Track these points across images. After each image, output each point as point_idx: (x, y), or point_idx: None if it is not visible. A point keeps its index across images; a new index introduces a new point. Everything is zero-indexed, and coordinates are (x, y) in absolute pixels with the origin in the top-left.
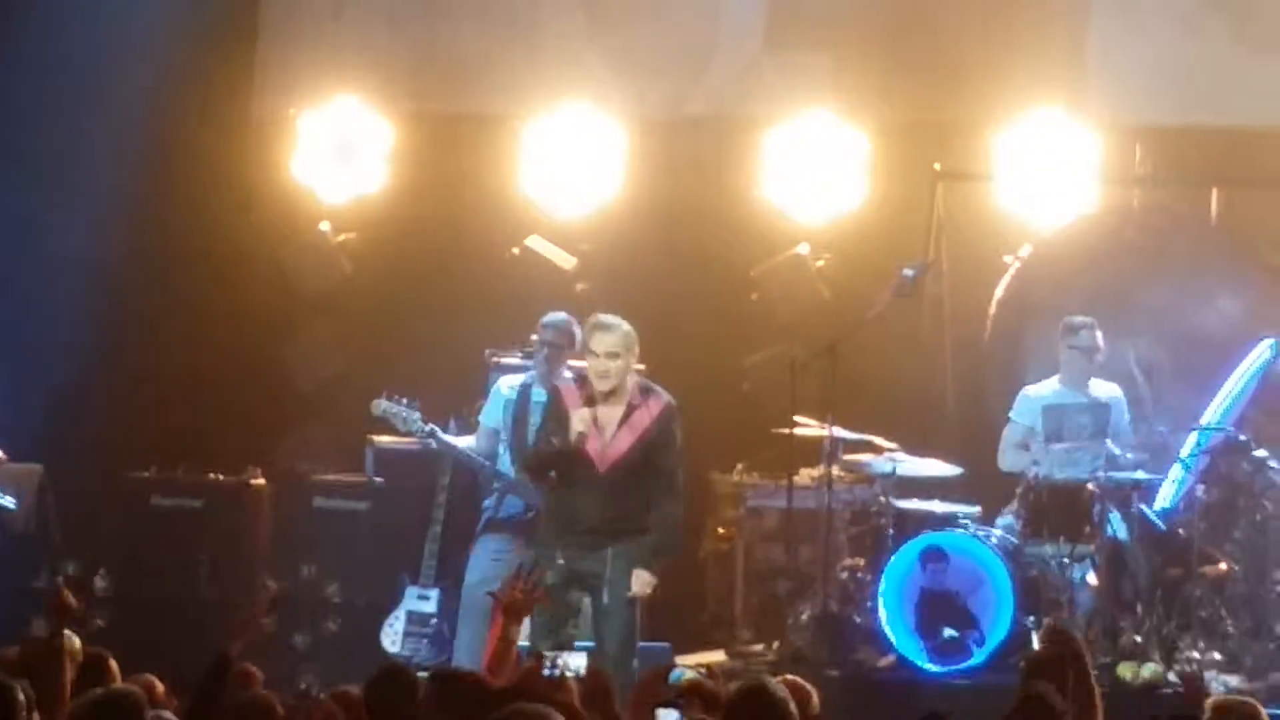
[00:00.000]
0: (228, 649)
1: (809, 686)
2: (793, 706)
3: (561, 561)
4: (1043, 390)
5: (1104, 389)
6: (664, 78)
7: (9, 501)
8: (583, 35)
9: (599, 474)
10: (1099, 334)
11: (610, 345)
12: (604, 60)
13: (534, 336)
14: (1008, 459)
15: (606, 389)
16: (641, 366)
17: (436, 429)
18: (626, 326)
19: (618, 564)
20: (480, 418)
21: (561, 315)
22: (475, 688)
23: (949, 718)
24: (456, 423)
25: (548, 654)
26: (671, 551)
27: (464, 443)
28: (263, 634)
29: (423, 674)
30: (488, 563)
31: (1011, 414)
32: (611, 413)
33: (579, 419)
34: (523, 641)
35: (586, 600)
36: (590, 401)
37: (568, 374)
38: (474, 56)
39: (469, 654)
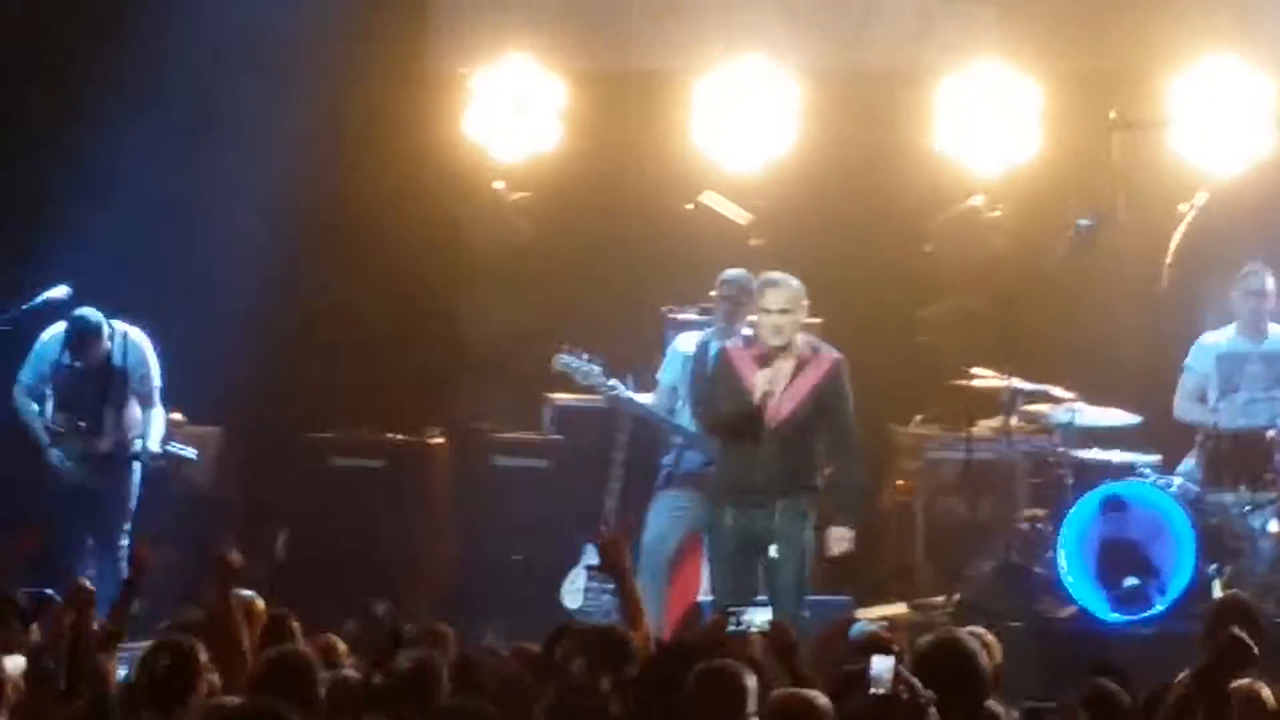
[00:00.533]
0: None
1: (991, 637)
2: (984, 659)
3: (731, 522)
4: (1219, 339)
5: None
6: (834, 29)
7: (190, 452)
8: None
9: (771, 430)
10: (1270, 278)
11: (783, 301)
12: (775, 12)
13: (712, 293)
14: (1184, 409)
15: (780, 344)
16: (818, 320)
17: (619, 384)
18: (796, 282)
19: (785, 517)
20: (658, 375)
21: (740, 271)
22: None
23: (1116, 670)
24: (634, 380)
25: (733, 609)
26: (856, 512)
27: (644, 399)
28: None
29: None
30: (667, 518)
31: (1187, 362)
32: (782, 369)
33: (763, 379)
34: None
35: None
36: (763, 361)
37: (736, 337)
38: (644, 12)
39: (650, 610)
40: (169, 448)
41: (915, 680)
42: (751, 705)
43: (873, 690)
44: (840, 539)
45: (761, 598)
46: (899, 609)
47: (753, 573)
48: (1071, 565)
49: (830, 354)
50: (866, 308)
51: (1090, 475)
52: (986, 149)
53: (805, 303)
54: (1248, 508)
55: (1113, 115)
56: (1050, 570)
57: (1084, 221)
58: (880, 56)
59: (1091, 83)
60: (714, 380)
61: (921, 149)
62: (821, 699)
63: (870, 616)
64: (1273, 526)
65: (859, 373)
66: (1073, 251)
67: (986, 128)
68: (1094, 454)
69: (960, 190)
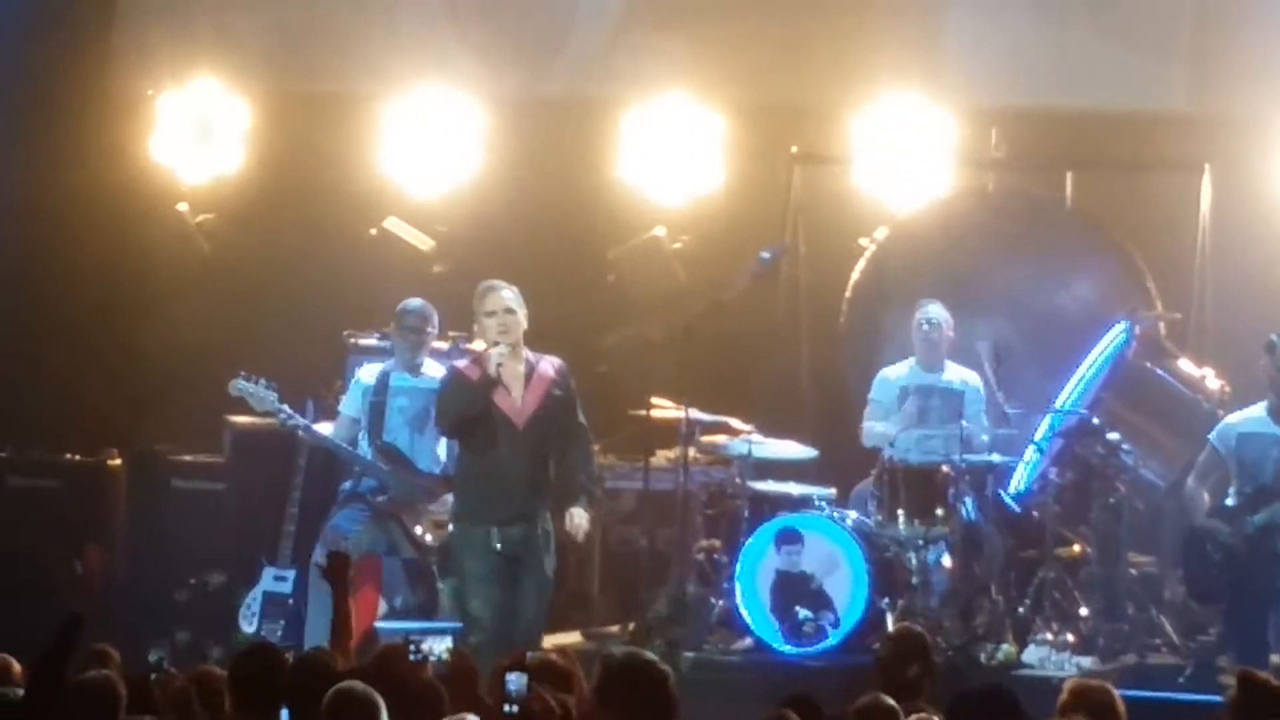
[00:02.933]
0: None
1: (665, 666)
2: (672, 680)
3: (498, 545)
4: (899, 371)
5: (960, 374)
6: (521, 58)
7: None
8: (440, 15)
9: (520, 432)
10: (946, 314)
11: (507, 301)
12: (461, 40)
13: (392, 324)
14: (871, 437)
15: (510, 343)
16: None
17: (294, 414)
18: (515, 288)
19: (541, 540)
20: (340, 407)
21: (418, 301)
22: (326, 668)
23: (813, 699)
24: (314, 405)
25: (413, 637)
26: (593, 496)
27: (324, 429)
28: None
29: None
30: (338, 538)
31: (872, 395)
32: (516, 371)
33: (496, 353)
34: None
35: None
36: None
37: (463, 358)
38: (332, 36)
39: (319, 629)
40: None
41: (549, 697)
42: None
43: (508, 707)
44: (583, 517)
45: (448, 624)
46: (574, 638)
47: (513, 589)
48: (746, 597)
49: (554, 358)
50: (548, 336)
51: (766, 507)
52: (670, 180)
53: (524, 310)
54: (921, 542)
55: (794, 150)
56: (726, 601)
57: (765, 254)
58: (566, 86)
59: (774, 117)
60: (450, 391)
61: (606, 179)
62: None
63: (545, 645)
64: (945, 561)
65: None
66: (753, 284)
67: (670, 159)
68: (770, 486)
69: (643, 220)
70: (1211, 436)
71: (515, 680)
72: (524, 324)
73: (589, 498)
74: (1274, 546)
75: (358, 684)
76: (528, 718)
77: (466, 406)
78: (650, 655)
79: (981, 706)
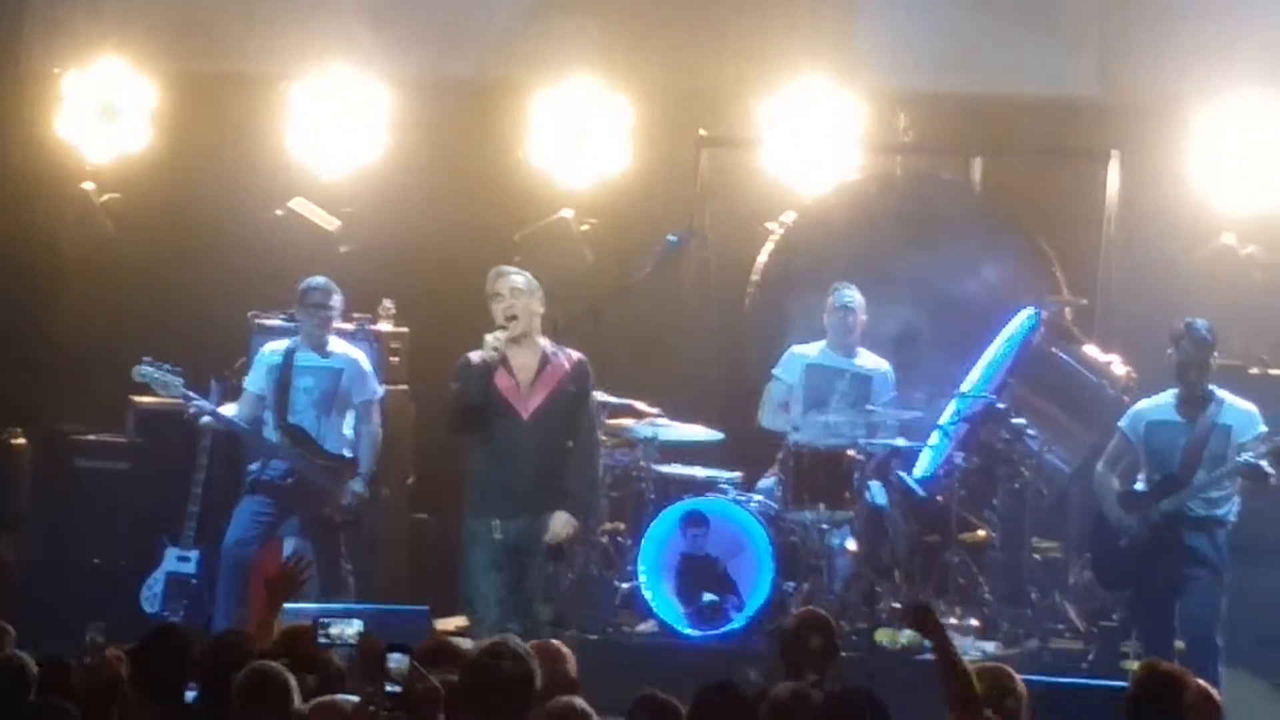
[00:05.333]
0: None
1: (565, 649)
2: (535, 665)
3: (500, 536)
4: (809, 350)
5: (870, 360)
6: (429, 39)
7: None
8: None
9: (524, 422)
10: (859, 297)
11: (514, 283)
12: (369, 21)
13: (296, 303)
14: (767, 417)
15: (517, 332)
16: (405, 329)
17: (200, 399)
18: (529, 275)
19: (547, 533)
20: (245, 383)
21: (321, 278)
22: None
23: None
24: (218, 385)
25: (324, 620)
26: (583, 505)
27: (229, 409)
28: None
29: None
30: (248, 523)
31: (776, 370)
32: (528, 362)
33: (491, 339)
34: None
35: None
36: (503, 361)
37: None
38: (239, 16)
39: (226, 613)
40: None
41: (430, 676)
42: (297, 703)
43: (389, 687)
44: (564, 524)
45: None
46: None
47: (516, 583)
48: (651, 580)
49: (574, 353)
50: (455, 318)
51: (672, 490)
52: (577, 163)
53: (539, 294)
54: (826, 526)
55: (702, 133)
56: (630, 584)
57: (672, 237)
58: (474, 68)
59: (682, 100)
60: (464, 385)
61: (514, 161)
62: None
63: (447, 627)
64: (850, 545)
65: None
66: (660, 267)
67: (578, 141)
68: (676, 469)
69: (551, 203)
70: (1122, 423)
71: (397, 660)
72: (537, 310)
73: (576, 504)
74: (1180, 534)
75: (271, 663)
76: (410, 697)
77: (460, 395)
78: (510, 638)
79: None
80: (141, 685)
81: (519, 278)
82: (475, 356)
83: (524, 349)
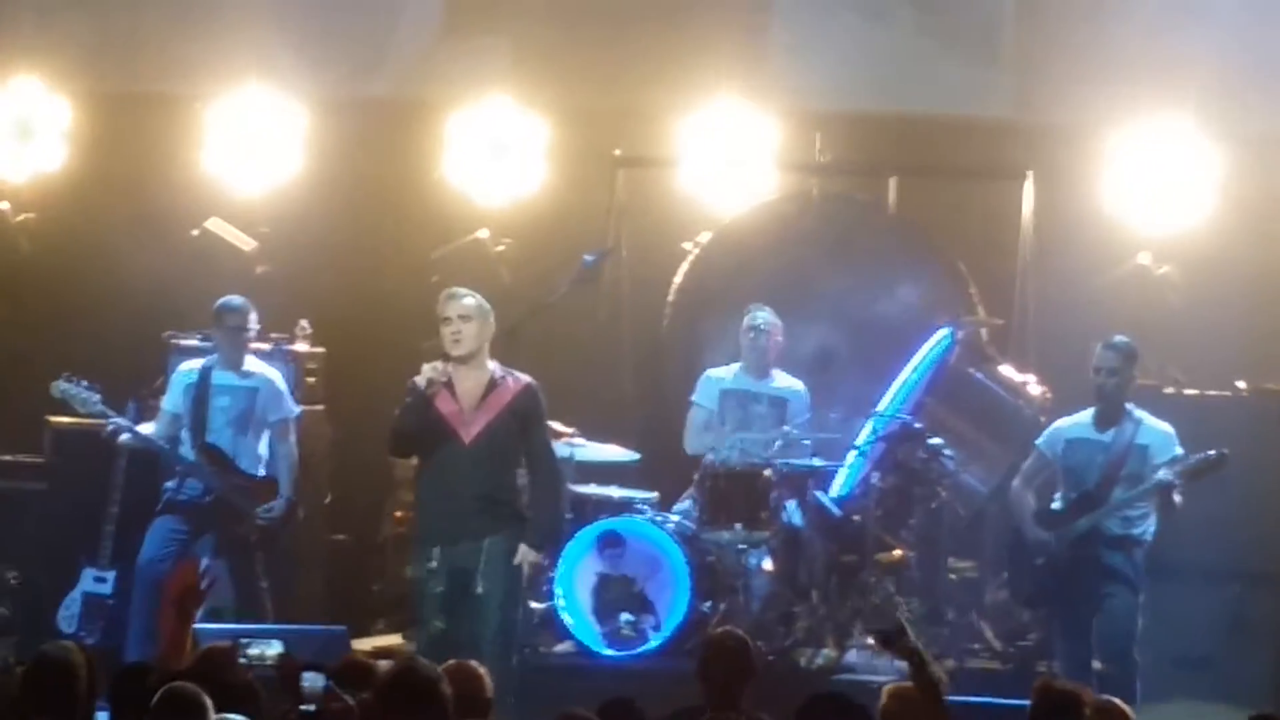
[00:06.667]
0: None
1: (481, 670)
2: (445, 686)
3: (434, 564)
4: (724, 374)
5: (785, 381)
6: (345, 59)
7: None
8: (264, 16)
9: (465, 447)
10: (774, 319)
11: (462, 309)
12: (284, 41)
13: (212, 323)
14: (692, 442)
15: (460, 352)
16: (321, 349)
17: (118, 417)
18: (480, 297)
19: (492, 554)
20: (162, 402)
21: (238, 298)
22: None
23: (634, 703)
24: (135, 406)
25: (244, 639)
26: (546, 536)
27: (145, 428)
28: None
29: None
30: (162, 542)
31: (694, 397)
32: (474, 386)
33: (429, 368)
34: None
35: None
36: (449, 386)
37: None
38: (154, 36)
39: (141, 631)
40: None
41: (345, 696)
42: None
43: (304, 706)
44: (522, 555)
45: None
46: (395, 640)
47: (461, 611)
48: (567, 600)
49: (524, 378)
50: (372, 338)
51: (588, 510)
52: (493, 182)
53: (490, 319)
54: (742, 546)
55: (618, 153)
56: (547, 605)
57: (588, 257)
58: (390, 88)
59: (599, 120)
60: (404, 409)
61: (430, 180)
62: None
63: (365, 647)
64: (766, 564)
65: (363, 404)
66: (576, 287)
67: (494, 161)
68: (592, 489)
69: (467, 223)
70: (1039, 441)
71: (311, 679)
72: (486, 334)
73: (539, 535)
74: (1097, 553)
75: (187, 685)
76: (324, 716)
77: (398, 419)
78: (419, 660)
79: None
80: (33, 704)
81: (469, 300)
82: (420, 380)
83: (471, 372)
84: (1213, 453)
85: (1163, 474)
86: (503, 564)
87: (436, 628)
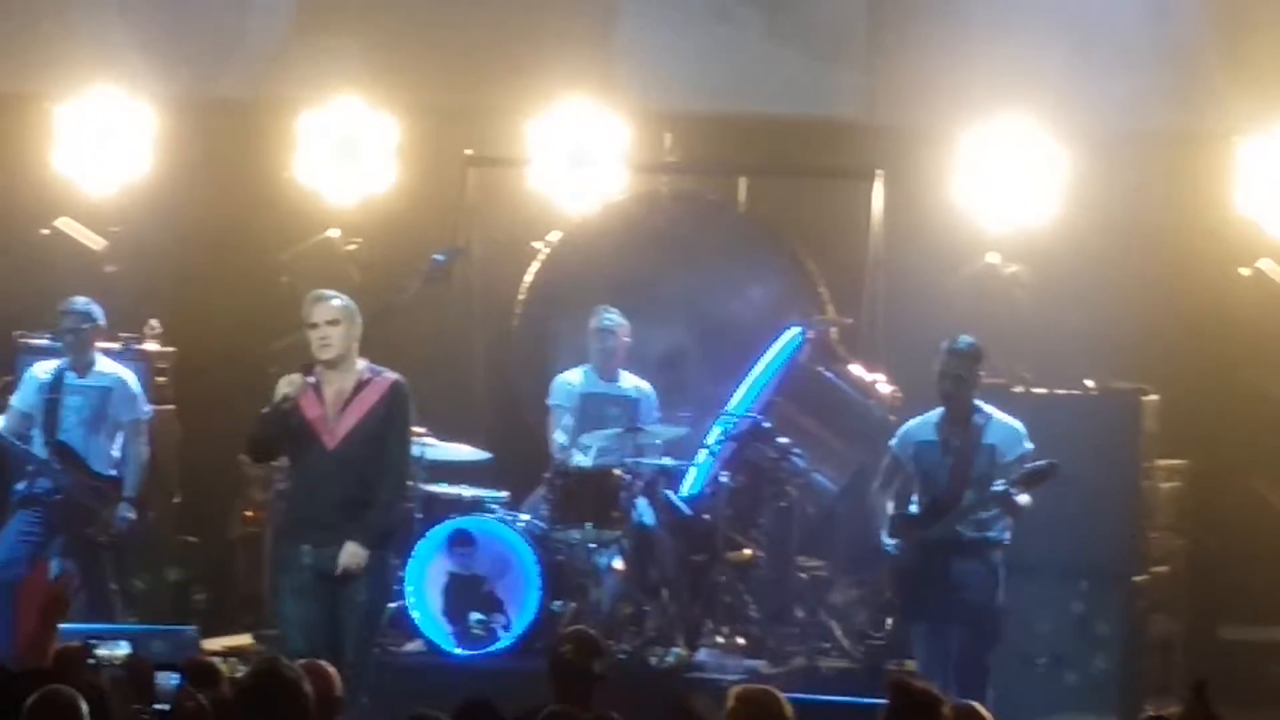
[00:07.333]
0: None
1: (330, 669)
2: (307, 686)
3: (309, 561)
4: (574, 378)
5: (633, 382)
6: (194, 58)
7: None
8: (111, 15)
9: (330, 451)
10: (622, 320)
11: (330, 313)
12: (133, 40)
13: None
14: (558, 445)
15: (328, 357)
16: (172, 349)
17: None
18: (347, 298)
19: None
20: (12, 399)
21: (81, 299)
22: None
23: (491, 704)
24: None
25: (93, 640)
26: (379, 536)
27: None
28: None
29: None
30: (14, 543)
31: (550, 401)
32: (340, 389)
33: (285, 382)
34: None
35: None
36: (317, 388)
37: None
38: (2, 36)
39: None
40: None
41: (199, 695)
42: None
43: (157, 705)
44: (350, 555)
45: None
46: (245, 640)
47: (327, 610)
48: (417, 599)
49: (391, 376)
50: (223, 338)
51: (438, 509)
52: (344, 182)
53: (358, 319)
54: (593, 545)
55: (468, 152)
56: (397, 603)
57: (438, 256)
58: (240, 87)
59: (449, 119)
60: (262, 416)
61: (280, 180)
62: None
63: (215, 647)
64: (617, 564)
65: (213, 404)
66: (427, 286)
67: (344, 160)
68: (443, 488)
69: (317, 222)
70: (892, 442)
71: (165, 679)
72: (354, 334)
73: (367, 534)
74: (953, 558)
75: (62, 688)
76: (177, 715)
77: (256, 430)
78: (280, 661)
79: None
80: None
81: (336, 303)
82: (277, 394)
83: (338, 375)
84: (1043, 463)
85: (999, 483)
86: (367, 568)
87: (295, 628)
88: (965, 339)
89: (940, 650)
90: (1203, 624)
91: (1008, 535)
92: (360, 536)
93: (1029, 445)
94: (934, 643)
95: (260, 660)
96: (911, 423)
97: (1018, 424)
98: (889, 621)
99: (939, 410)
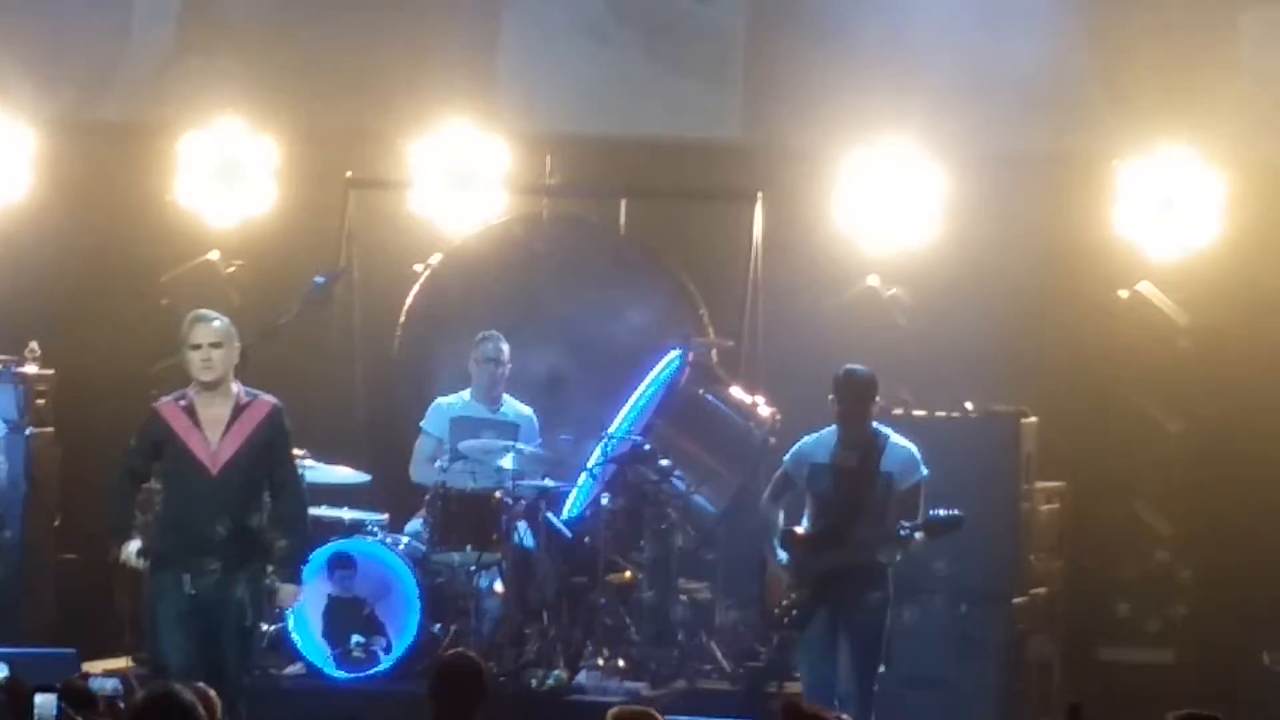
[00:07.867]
0: None
1: (212, 693)
2: (201, 712)
3: (192, 591)
4: (453, 401)
5: (515, 407)
6: (73, 80)
7: None
8: None
9: (212, 477)
10: (505, 346)
11: (213, 335)
12: (11, 60)
13: None
14: (419, 471)
15: (210, 379)
16: (50, 371)
17: None
18: (227, 320)
19: (239, 588)
20: None
21: None
22: None
23: None
24: None
25: None
26: (303, 558)
27: None
28: None
29: None
30: None
31: (423, 424)
32: (220, 413)
33: (129, 557)
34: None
35: None
36: (191, 413)
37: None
38: None
39: None
40: None
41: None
42: None
43: None
44: (291, 596)
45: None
46: (124, 663)
47: (207, 635)
48: (298, 622)
49: (269, 399)
50: (103, 360)
51: (319, 532)
52: (224, 204)
53: (236, 341)
54: (473, 568)
55: (349, 174)
56: (277, 626)
57: (319, 279)
58: (120, 109)
59: (330, 142)
60: (144, 438)
61: (160, 203)
62: None
63: (95, 670)
64: (498, 586)
65: (92, 426)
66: (307, 308)
67: (225, 182)
68: (323, 511)
69: (197, 245)
70: (786, 458)
71: (43, 703)
72: (233, 358)
73: (293, 568)
74: (843, 580)
75: None
76: None
77: (126, 454)
78: (176, 687)
79: None
80: None
81: (218, 324)
82: (161, 408)
83: (217, 399)
84: (951, 514)
85: (903, 528)
86: (249, 594)
87: (175, 653)
88: (860, 368)
89: (827, 673)
90: (1081, 645)
91: (898, 557)
92: (286, 572)
93: (924, 471)
94: (820, 666)
95: (155, 684)
96: (807, 440)
97: (913, 449)
98: (775, 639)
99: (833, 429)
